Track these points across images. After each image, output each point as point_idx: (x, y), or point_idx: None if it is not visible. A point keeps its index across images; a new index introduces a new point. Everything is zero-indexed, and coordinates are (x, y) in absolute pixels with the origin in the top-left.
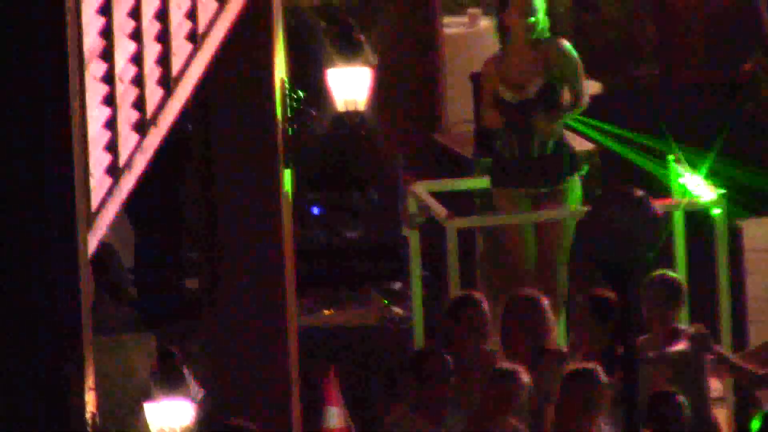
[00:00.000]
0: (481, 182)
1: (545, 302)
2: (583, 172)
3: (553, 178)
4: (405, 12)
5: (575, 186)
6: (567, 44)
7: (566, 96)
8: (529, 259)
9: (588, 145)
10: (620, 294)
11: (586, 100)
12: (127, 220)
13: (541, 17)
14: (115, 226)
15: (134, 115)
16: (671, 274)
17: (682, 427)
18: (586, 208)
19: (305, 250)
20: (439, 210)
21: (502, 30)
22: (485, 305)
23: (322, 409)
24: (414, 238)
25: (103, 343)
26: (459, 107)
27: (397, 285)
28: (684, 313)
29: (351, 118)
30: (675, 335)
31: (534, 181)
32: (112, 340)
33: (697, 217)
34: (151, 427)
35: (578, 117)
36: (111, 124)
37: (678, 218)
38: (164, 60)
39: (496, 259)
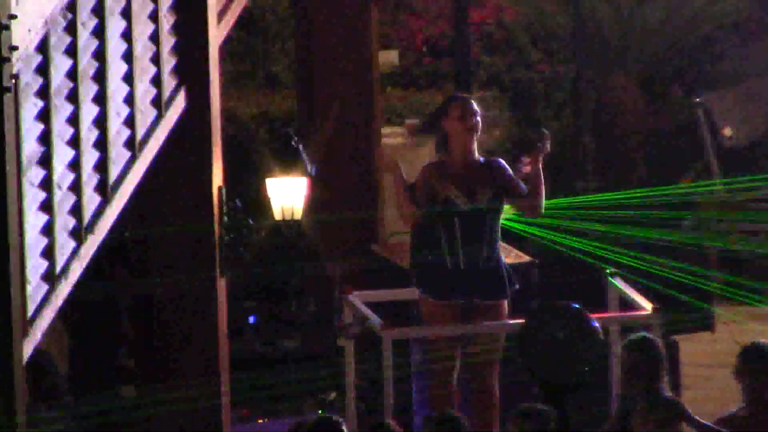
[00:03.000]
0: (417, 293)
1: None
2: (516, 288)
3: (495, 290)
4: (344, 122)
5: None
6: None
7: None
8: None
9: (525, 258)
10: (558, 407)
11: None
12: (64, 326)
13: (479, 120)
14: (51, 333)
15: (71, 222)
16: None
17: None
18: (522, 322)
19: (241, 358)
20: (375, 320)
21: (443, 140)
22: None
23: None
24: (349, 349)
25: None
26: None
27: (332, 395)
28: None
29: (288, 227)
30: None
31: (476, 293)
32: None
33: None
34: None
35: (518, 228)
36: (48, 230)
37: (614, 332)
38: (102, 167)
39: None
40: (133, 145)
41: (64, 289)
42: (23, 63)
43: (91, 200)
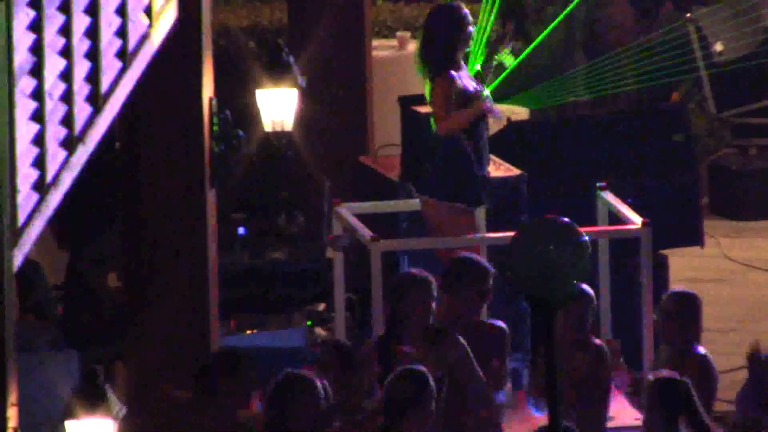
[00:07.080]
0: (407, 205)
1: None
2: None
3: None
4: (334, 34)
5: None
6: None
7: None
8: None
9: (515, 171)
10: (545, 323)
11: None
12: (53, 238)
13: None
14: (42, 244)
15: (62, 132)
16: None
17: None
18: (511, 235)
19: (229, 271)
20: (364, 233)
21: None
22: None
23: None
24: (338, 261)
25: (26, 361)
26: (387, 130)
27: (321, 307)
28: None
29: (278, 139)
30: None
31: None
32: (35, 357)
33: (622, 246)
34: None
35: (507, 143)
36: (39, 140)
37: (603, 246)
38: (93, 77)
39: None
40: (124, 56)
41: (55, 198)
42: None
43: (81, 110)
